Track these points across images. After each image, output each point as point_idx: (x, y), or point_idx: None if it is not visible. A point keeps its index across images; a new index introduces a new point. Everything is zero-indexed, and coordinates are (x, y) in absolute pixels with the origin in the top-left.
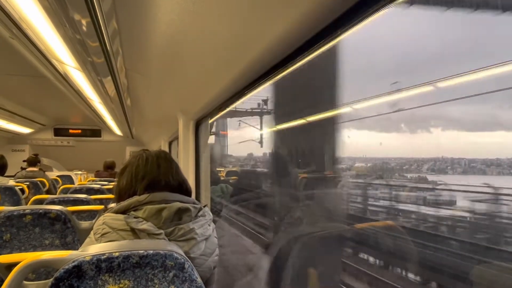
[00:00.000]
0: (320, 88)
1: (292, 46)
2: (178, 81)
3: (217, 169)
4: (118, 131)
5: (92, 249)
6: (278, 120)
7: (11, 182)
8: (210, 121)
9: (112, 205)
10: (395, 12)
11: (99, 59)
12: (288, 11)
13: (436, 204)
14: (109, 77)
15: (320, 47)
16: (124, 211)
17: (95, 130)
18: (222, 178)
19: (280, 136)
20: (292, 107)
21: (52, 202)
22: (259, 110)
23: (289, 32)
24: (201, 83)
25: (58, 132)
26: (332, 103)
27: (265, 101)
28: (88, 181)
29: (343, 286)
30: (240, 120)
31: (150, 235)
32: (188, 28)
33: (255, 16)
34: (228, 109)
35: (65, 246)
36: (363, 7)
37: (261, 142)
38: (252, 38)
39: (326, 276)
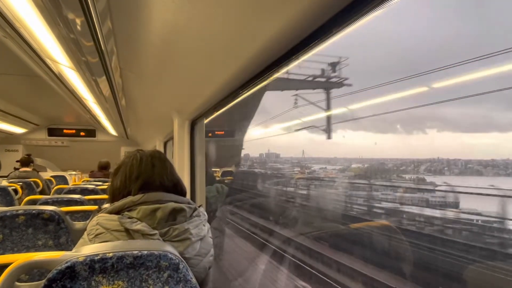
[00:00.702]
0: None
1: (287, 45)
2: (173, 81)
3: (213, 169)
4: (113, 131)
5: (86, 249)
6: None
7: (4, 183)
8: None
9: (106, 205)
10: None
11: (94, 59)
12: (283, 11)
13: None
14: (104, 77)
15: (314, 47)
16: (118, 212)
17: (89, 130)
18: (217, 178)
19: None
20: None
21: (46, 203)
22: (323, 80)
23: (284, 31)
24: (196, 83)
25: (52, 132)
26: None
27: (333, 65)
28: (83, 181)
29: None
30: (296, 95)
31: (144, 235)
32: (183, 28)
33: (250, 16)
34: (277, 75)
35: (58, 247)
36: (358, 7)
37: (328, 131)
38: (247, 37)
39: None
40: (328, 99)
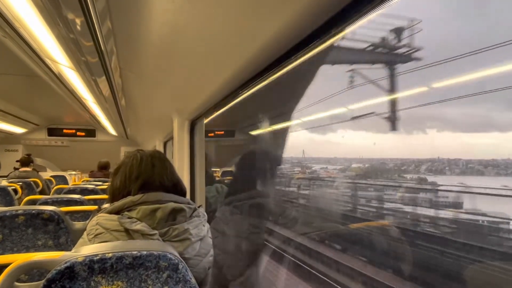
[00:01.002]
0: None
1: (286, 45)
2: (172, 81)
3: (212, 169)
4: (112, 131)
5: (85, 250)
6: None
7: (4, 183)
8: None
9: (106, 205)
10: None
11: (93, 59)
12: (283, 10)
13: None
14: (103, 77)
15: (315, 46)
16: (118, 212)
17: (89, 130)
18: (217, 178)
19: None
20: None
21: (45, 203)
22: (385, 51)
23: (283, 31)
24: (196, 83)
25: (52, 132)
26: None
27: (398, 32)
28: (82, 181)
29: None
30: (352, 70)
31: (144, 235)
32: (182, 28)
33: (250, 15)
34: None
35: (58, 247)
36: (359, 5)
37: (392, 119)
38: (248, 37)
39: None
40: (392, 76)
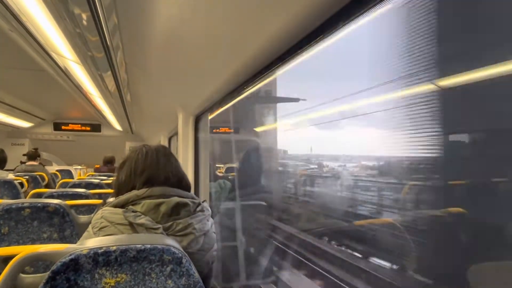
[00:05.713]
0: None
1: (290, 42)
2: (178, 76)
3: (217, 165)
4: (118, 126)
5: (90, 242)
6: None
7: (11, 176)
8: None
9: (111, 199)
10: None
11: (99, 54)
12: (287, 8)
13: None
14: (109, 72)
15: (319, 42)
16: (122, 205)
17: (95, 125)
18: (220, 175)
19: None
20: None
21: (51, 196)
22: None
23: (287, 28)
24: (201, 78)
25: (58, 126)
26: None
27: None
28: (88, 175)
29: None
30: None
31: (148, 229)
32: (188, 23)
33: (255, 12)
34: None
35: (63, 239)
36: (361, 3)
37: None
38: (253, 32)
39: None
40: None
